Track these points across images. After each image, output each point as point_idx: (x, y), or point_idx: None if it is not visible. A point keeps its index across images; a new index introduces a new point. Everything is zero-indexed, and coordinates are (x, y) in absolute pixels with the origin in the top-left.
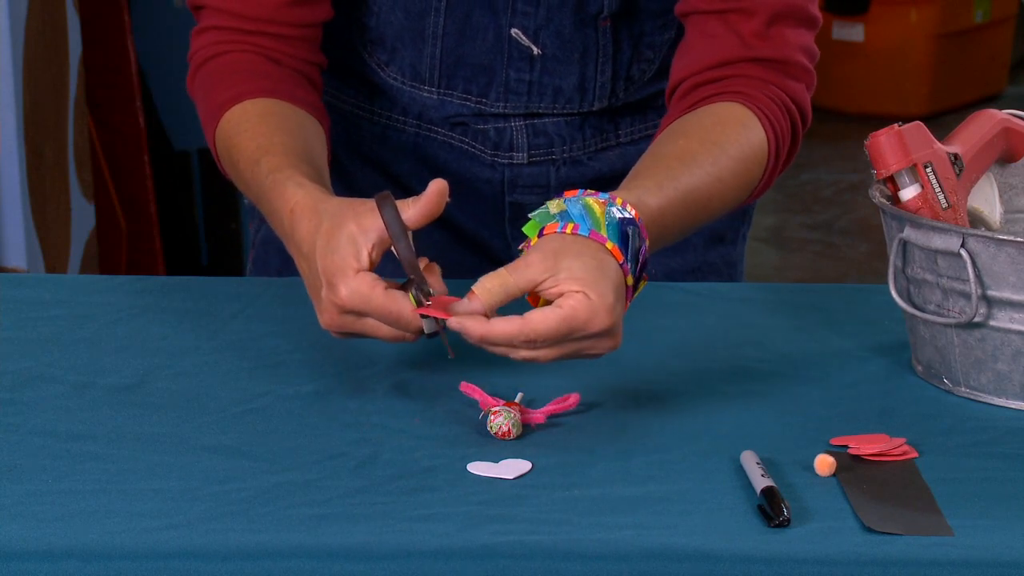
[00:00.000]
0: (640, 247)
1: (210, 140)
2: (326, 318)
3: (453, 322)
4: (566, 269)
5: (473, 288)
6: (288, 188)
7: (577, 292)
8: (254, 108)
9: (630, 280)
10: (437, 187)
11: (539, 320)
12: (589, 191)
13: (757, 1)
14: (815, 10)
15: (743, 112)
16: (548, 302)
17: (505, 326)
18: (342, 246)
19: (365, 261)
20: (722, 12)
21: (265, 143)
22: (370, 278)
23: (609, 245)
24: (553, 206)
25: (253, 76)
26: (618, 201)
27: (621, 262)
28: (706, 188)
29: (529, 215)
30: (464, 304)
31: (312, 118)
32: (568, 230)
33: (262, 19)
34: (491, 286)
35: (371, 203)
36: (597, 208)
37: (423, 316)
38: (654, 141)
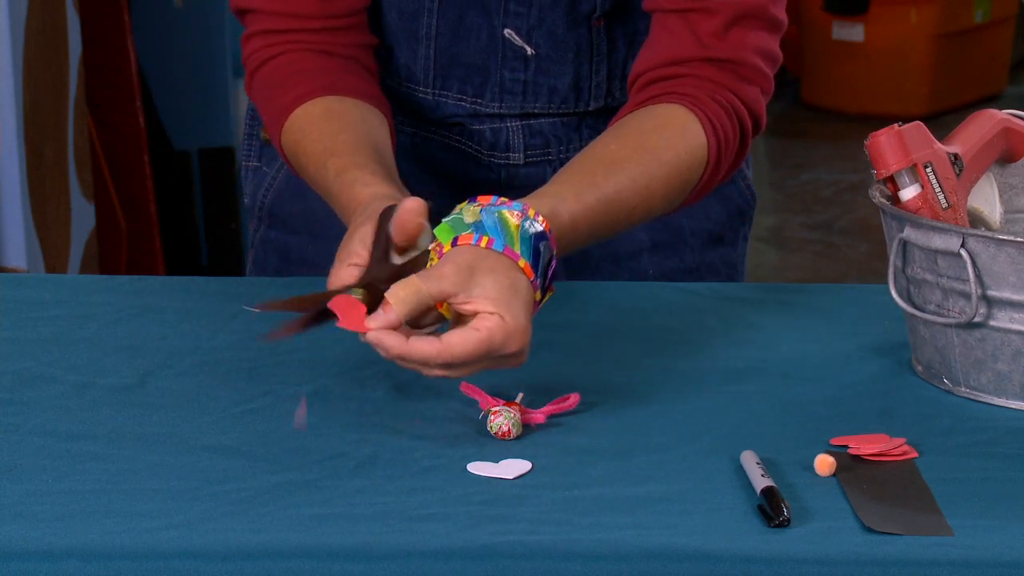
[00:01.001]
0: (550, 260)
1: (276, 144)
2: None
3: (371, 336)
4: (480, 286)
5: (386, 296)
6: (355, 189)
7: (492, 314)
8: (315, 109)
9: (538, 296)
10: (409, 204)
11: (458, 343)
12: (503, 199)
13: (719, 1)
14: (779, 13)
15: (685, 116)
16: (459, 315)
17: (424, 347)
18: (352, 241)
19: (364, 258)
20: (684, 11)
21: (330, 145)
22: (355, 271)
23: (522, 263)
24: (468, 214)
25: (310, 75)
26: (531, 212)
27: (532, 279)
28: (630, 196)
29: (444, 220)
30: (379, 316)
31: (373, 109)
32: (483, 243)
33: (305, 15)
34: (404, 295)
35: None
36: (512, 222)
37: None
38: (591, 144)
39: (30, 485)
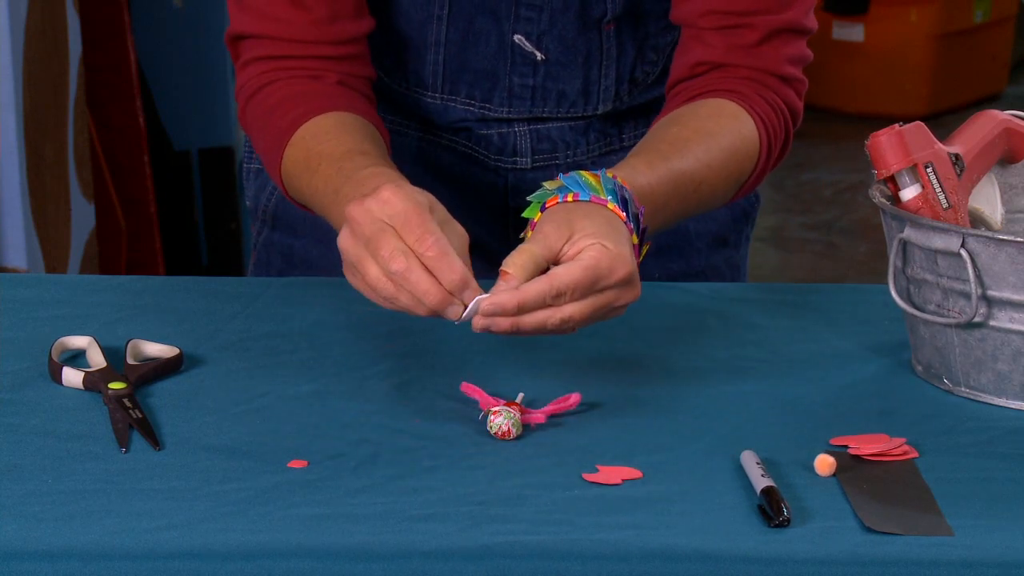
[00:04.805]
0: (638, 213)
1: (276, 165)
2: (351, 227)
3: (486, 305)
4: (580, 229)
5: (503, 268)
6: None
7: (594, 243)
8: (328, 121)
9: (635, 239)
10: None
11: (564, 272)
12: (582, 170)
13: (756, 19)
14: (811, 21)
15: (736, 108)
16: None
17: (535, 285)
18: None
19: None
20: (720, 28)
21: (355, 147)
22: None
23: (611, 205)
24: (549, 184)
25: (313, 96)
26: (608, 174)
27: (624, 220)
28: (696, 173)
29: (528, 198)
30: (501, 285)
31: (377, 130)
32: (569, 199)
33: (302, 40)
34: (521, 261)
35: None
36: (592, 179)
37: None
38: (649, 131)
39: (30, 485)
